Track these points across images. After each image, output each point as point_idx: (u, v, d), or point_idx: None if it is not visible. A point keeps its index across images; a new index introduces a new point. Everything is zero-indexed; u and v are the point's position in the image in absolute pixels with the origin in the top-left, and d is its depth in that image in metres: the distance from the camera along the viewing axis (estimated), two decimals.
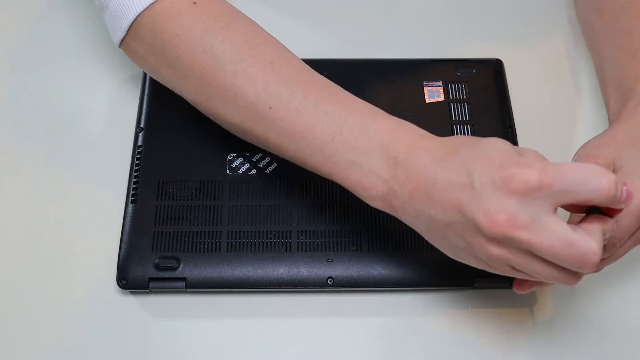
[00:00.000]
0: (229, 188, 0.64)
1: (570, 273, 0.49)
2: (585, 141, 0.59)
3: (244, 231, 0.62)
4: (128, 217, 0.62)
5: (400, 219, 0.55)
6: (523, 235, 0.46)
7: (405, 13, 0.78)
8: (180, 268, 0.60)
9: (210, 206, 0.63)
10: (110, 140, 0.69)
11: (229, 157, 0.65)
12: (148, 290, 0.60)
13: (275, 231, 0.62)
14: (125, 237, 0.61)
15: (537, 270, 0.49)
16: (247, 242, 0.61)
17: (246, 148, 0.65)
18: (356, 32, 0.77)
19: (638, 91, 0.59)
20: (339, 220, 0.62)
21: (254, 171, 0.65)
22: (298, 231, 0.62)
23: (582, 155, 0.57)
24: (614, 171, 0.55)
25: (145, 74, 0.70)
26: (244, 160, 0.65)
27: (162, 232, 0.61)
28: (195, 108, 0.62)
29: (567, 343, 0.60)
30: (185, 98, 0.62)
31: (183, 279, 0.60)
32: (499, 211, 0.47)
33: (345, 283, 0.60)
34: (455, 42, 0.76)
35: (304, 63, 0.60)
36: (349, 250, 0.61)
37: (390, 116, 0.56)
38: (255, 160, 0.65)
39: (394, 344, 0.60)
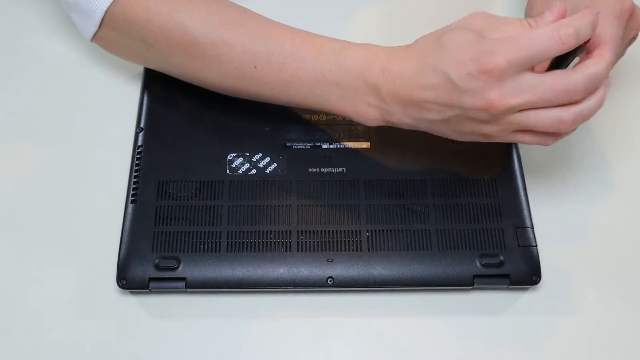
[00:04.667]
0: (229, 188, 0.64)
1: (569, 112, 0.54)
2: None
3: (244, 231, 0.62)
4: (128, 217, 0.62)
5: (402, 127, 0.60)
6: (515, 101, 0.53)
7: (405, 13, 0.78)
8: (180, 268, 0.60)
9: (210, 206, 0.63)
10: (110, 140, 0.69)
11: (229, 157, 0.65)
12: (148, 290, 0.60)
13: (275, 231, 0.62)
14: (125, 237, 0.61)
15: (538, 121, 0.54)
16: (247, 242, 0.61)
17: (246, 148, 0.65)
18: (356, 33, 0.77)
19: None
20: (339, 220, 0.62)
21: (254, 171, 0.65)
22: (298, 231, 0.62)
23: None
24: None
25: (145, 74, 0.70)
26: (244, 160, 0.65)
27: (162, 232, 0.61)
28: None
29: (567, 343, 0.60)
30: (171, 74, 0.66)
31: (183, 279, 0.60)
32: (488, 94, 0.53)
33: (345, 283, 0.60)
34: None
35: (265, 17, 0.63)
36: (349, 250, 0.61)
37: (357, 44, 0.60)
38: (255, 160, 0.65)
39: (394, 344, 0.60)
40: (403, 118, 0.58)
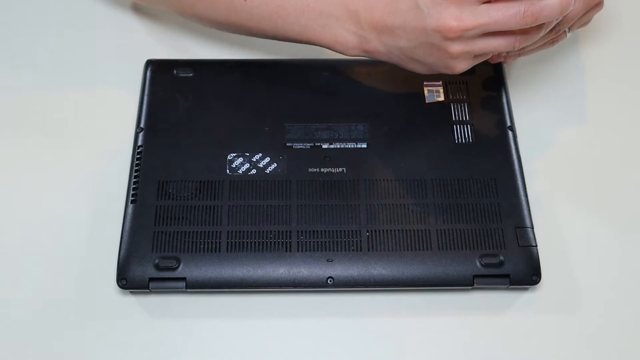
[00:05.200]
0: (229, 188, 0.64)
1: (525, 31, 0.59)
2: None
3: (244, 231, 0.62)
4: (128, 217, 0.62)
5: (375, 58, 0.65)
6: (472, 23, 0.57)
7: None
8: (180, 268, 0.60)
9: (210, 206, 0.63)
10: (110, 140, 0.69)
11: (229, 157, 0.65)
12: (148, 290, 0.60)
13: (275, 231, 0.62)
14: (125, 237, 0.61)
15: (495, 44, 0.59)
16: (247, 242, 0.61)
17: (246, 148, 0.65)
18: None
19: None
20: (339, 220, 0.62)
21: (254, 171, 0.65)
22: (298, 231, 0.62)
23: None
24: None
25: (145, 74, 0.70)
26: (244, 160, 0.65)
27: (162, 232, 0.61)
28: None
29: (567, 343, 0.60)
30: (171, 12, 0.73)
31: (183, 279, 0.60)
32: (448, 19, 0.58)
33: (345, 283, 0.60)
34: None
35: None
36: (349, 250, 0.61)
37: None
38: (255, 160, 0.65)
39: (394, 344, 0.60)
40: (378, 46, 0.63)
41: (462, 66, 0.62)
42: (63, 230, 0.64)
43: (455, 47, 0.60)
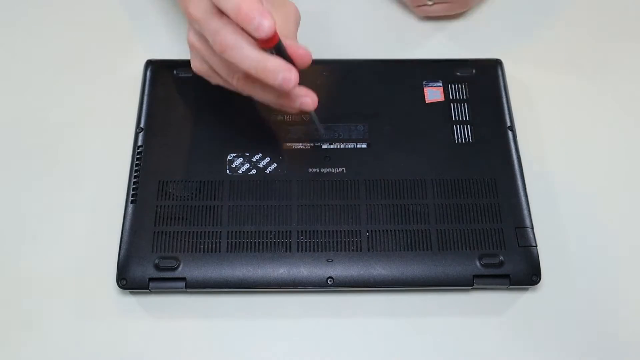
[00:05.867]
0: (229, 188, 0.64)
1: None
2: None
3: (244, 231, 0.62)
4: (128, 217, 0.62)
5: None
6: (196, 15, 0.57)
7: (405, 13, 0.78)
8: (180, 268, 0.60)
9: (210, 206, 0.63)
10: (110, 140, 0.69)
11: (229, 157, 0.65)
12: (148, 290, 0.60)
13: (275, 231, 0.62)
14: (125, 237, 0.61)
15: (215, 63, 0.59)
16: (247, 242, 0.61)
17: (246, 148, 0.65)
18: (356, 32, 0.77)
19: None
20: (339, 220, 0.62)
21: (254, 171, 0.65)
22: (298, 231, 0.62)
23: None
24: None
25: (145, 74, 0.70)
26: (244, 160, 0.65)
27: (162, 232, 0.61)
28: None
29: (567, 342, 0.60)
30: None
31: (183, 279, 0.60)
32: (191, 5, 0.57)
33: (345, 283, 0.60)
34: (455, 42, 0.76)
35: None
36: (349, 250, 0.61)
37: None
38: (255, 160, 0.65)
39: (394, 344, 0.60)
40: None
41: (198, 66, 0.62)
42: (63, 230, 0.64)
43: (192, 34, 0.60)
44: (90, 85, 0.73)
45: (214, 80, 0.63)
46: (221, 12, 0.56)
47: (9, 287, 0.62)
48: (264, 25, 0.54)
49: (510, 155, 0.66)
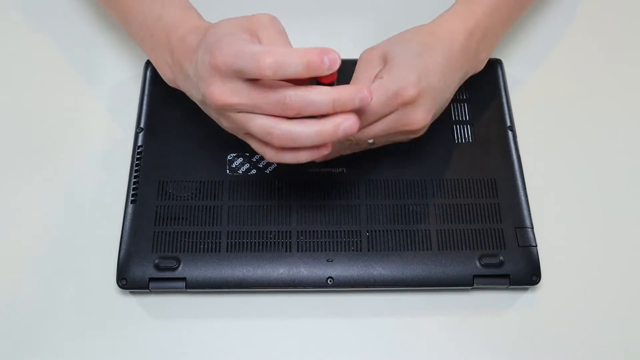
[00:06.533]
0: (229, 188, 0.64)
1: (279, 125, 0.53)
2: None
3: (244, 231, 0.62)
4: (128, 217, 0.62)
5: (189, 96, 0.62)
6: (231, 101, 0.54)
7: (405, 13, 0.78)
8: (180, 268, 0.60)
9: (210, 206, 0.63)
10: (110, 140, 0.69)
11: (229, 157, 0.65)
12: (148, 290, 0.60)
13: (275, 231, 0.62)
14: (125, 237, 0.61)
15: (252, 126, 0.54)
16: (247, 242, 0.61)
17: (246, 148, 0.65)
18: (356, 32, 0.77)
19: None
20: (339, 220, 0.62)
21: (254, 171, 0.65)
22: (298, 231, 0.62)
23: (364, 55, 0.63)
24: (386, 62, 0.60)
25: (145, 74, 0.70)
26: (244, 160, 0.65)
27: (162, 232, 0.61)
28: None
29: (566, 342, 0.60)
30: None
31: (183, 279, 0.60)
32: (211, 86, 0.54)
33: (345, 283, 0.60)
34: None
35: None
36: (349, 250, 0.61)
37: (187, 6, 0.64)
38: (255, 160, 0.65)
39: (394, 344, 0.60)
40: (185, 86, 0.61)
41: (241, 137, 0.58)
42: (63, 230, 0.64)
43: (224, 120, 0.57)
44: (90, 85, 0.73)
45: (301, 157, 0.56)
46: (254, 81, 0.53)
47: (9, 287, 0.62)
48: (333, 57, 0.52)
49: (510, 155, 0.66)
